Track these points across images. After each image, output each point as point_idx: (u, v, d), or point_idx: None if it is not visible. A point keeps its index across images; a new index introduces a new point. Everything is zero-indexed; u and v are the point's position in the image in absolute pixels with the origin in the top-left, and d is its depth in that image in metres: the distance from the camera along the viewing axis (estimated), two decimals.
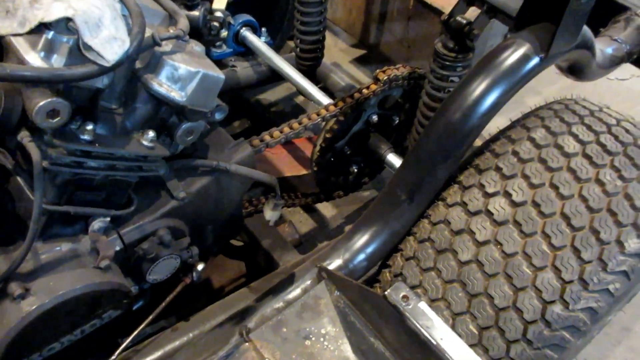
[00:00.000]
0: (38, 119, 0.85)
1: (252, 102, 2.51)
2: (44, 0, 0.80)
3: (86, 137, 0.95)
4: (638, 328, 1.84)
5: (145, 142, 1.06)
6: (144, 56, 1.03)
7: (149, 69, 1.03)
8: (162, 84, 1.03)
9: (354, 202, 2.17)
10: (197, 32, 1.43)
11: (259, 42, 1.97)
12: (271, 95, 2.57)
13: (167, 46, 1.04)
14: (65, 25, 0.82)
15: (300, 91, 1.90)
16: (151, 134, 1.06)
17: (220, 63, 2.04)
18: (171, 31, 1.05)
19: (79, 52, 0.84)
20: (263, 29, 2.04)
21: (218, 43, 1.91)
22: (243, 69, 2.05)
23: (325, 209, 2.18)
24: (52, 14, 0.78)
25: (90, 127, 0.95)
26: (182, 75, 1.03)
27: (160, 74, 1.03)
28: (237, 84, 2.05)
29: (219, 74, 1.09)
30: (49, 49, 0.83)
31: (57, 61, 0.84)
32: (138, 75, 1.03)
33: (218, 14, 1.53)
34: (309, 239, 2.08)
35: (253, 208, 1.58)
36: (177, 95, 1.04)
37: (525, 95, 2.68)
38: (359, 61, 2.85)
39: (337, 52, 2.89)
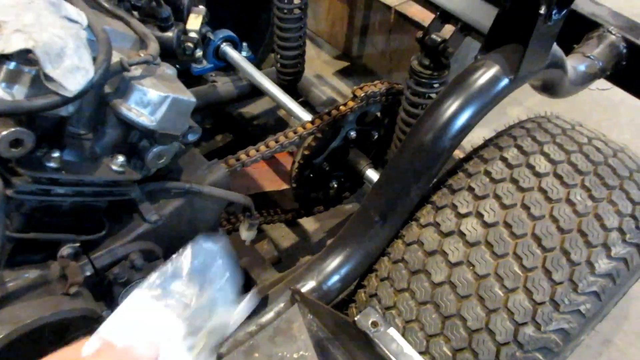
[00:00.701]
0: (1, 149, 0.84)
1: (234, 116, 2.50)
2: (5, 31, 0.80)
3: (52, 164, 0.94)
4: (618, 340, 1.85)
5: (114, 167, 1.05)
6: (112, 81, 1.02)
7: (118, 94, 1.02)
8: (132, 109, 1.02)
9: (337, 216, 2.17)
10: (172, 53, 1.42)
11: (239, 58, 1.96)
12: (254, 108, 2.57)
13: (136, 71, 1.04)
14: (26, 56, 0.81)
15: (280, 106, 1.90)
16: (121, 158, 1.05)
17: (201, 78, 2.04)
18: (142, 55, 1.04)
19: (41, 81, 0.83)
20: (244, 44, 2.05)
21: (199, 59, 1.91)
22: (223, 84, 2.05)
23: (308, 222, 2.17)
24: (12, 46, 0.77)
25: (56, 154, 0.95)
26: (152, 99, 1.03)
27: (130, 98, 1.02)
28: (218, 99, 2.05)
29: (190, 98, 1.09)
30: (11, 80, 0.83)
31: (19, 91, 0.83)
32: (107, 100, 1.02)
33: (192, 34, 1.53)
34: (291, 253, 2.08)
35: (231, 226, 1.57)
36: (146, 119, 1.03)
37: (508, 106, 2.72)
38: (342, 73, 2.86)
39: (321, 64, 2.90)
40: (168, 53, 1.41)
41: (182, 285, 0.59)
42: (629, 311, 1.92)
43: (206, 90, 1.99)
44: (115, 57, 0.98)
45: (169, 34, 1.40)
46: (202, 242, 0.71)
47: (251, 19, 2.29)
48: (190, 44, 1.50)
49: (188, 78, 1.93)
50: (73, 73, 0.82)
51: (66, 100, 0.83)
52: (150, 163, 1.10)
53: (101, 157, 1.05)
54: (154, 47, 1.07)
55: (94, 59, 0.90)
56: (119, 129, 1.05)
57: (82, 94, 0.85)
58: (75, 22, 0.91)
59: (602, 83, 2.63)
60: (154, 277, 0.57)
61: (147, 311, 0.55)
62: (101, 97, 1.01)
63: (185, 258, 0.60)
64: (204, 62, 1.95)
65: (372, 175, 1.71)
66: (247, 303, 0.65)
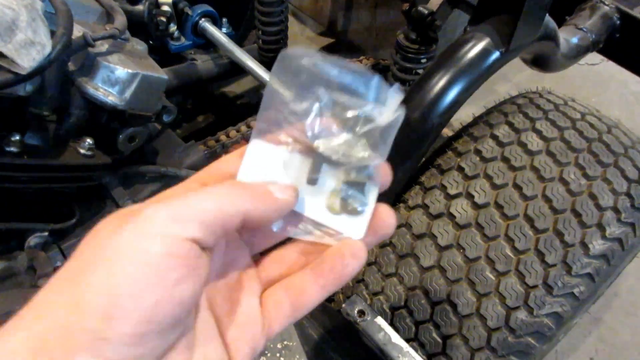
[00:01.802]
0: None
1: (216, 96, 2.42)
2: None
3: (13, 148, 0.88)
4: (608, 318, 1.83)
5: (82, 151, 0.98)
6: (77, 58, 0.95)
7: (83, 72, 0.95)
8: (99, 88, 0.96)
9: None
10: (143, 28, 1.34)
11: (219, 34, 1.88)
12: (236, 88, 2.49)
13: (102, 46, 0.96)
14: None
15: (263, 85, 1.83)
16: (89, 141, 0.99)
17: (179, 56, 1.95)
18: (107, 29, 0.97)
19: None
20: (224, 20, 1.96)
21: (176, 35, 1.83)
22: (203, 62, 1.96)
23: None
24: None
25: (16, 137, 0.88)
26: (120, 77, 0.96)
27: (96, 76, 0.95)
28: (198, 78, 1.96)
29: (161, 75, 1.02)
30: None
31: None
32: (71, 79, 0.95)
33: (165, 7, 1.44)
34: None
35: None
36: (115, 99, 0.97)
37: (496, 82, 2.66)
38: (327, 50, 2.78)
39: (305, 41, 2.81)
40: (139, 28, 1.33)
41: (296, 117, 0.44)
42: (619, 288, 1.91)
43: (185, 68, 1.90)
44: (78, 32, 0.91)
45: (139, 7, 1.32)
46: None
47: None
48: (163, 18, 1.42)
49: (166, 55, 1.85)
50: (27, 48, 0.74)
51: (20, 79, 0.76)
52: (122, 145, 1.04)
53: (67, 140, 0.99)
54: (121, 21, 0.99)
55: (53, 33, 0.82)
56: (86, 110, 0.99)
57: (38, 71, 0.78)
58: None
59: (591, 58, 2.57)
60: (260, 121, 0.44)
61: (272, 157, 0.44)
62: (65, 75, 0.94)
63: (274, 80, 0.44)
64: (182, 38, 1.87)
65: None
66: (394, 98, 0.43)
